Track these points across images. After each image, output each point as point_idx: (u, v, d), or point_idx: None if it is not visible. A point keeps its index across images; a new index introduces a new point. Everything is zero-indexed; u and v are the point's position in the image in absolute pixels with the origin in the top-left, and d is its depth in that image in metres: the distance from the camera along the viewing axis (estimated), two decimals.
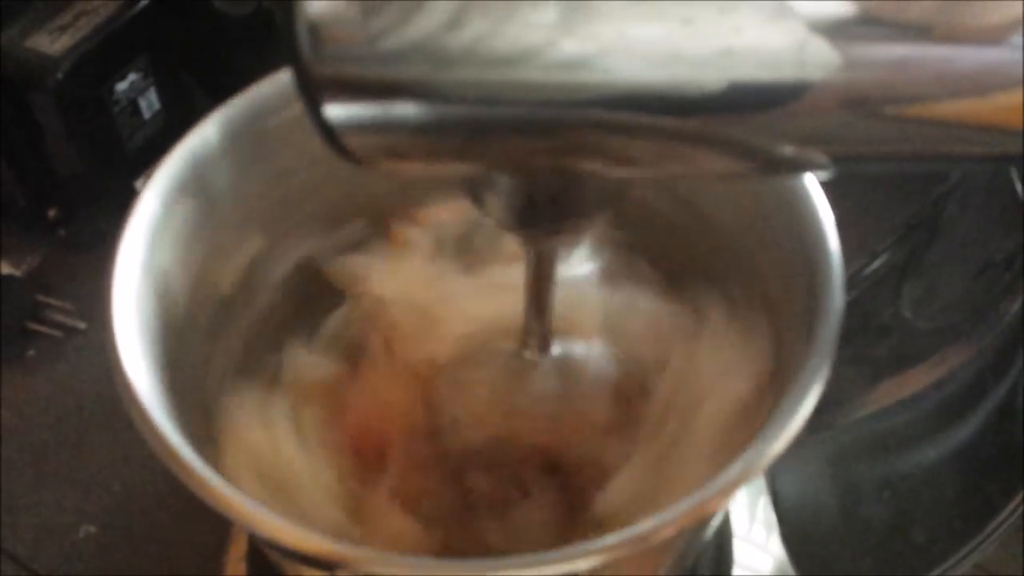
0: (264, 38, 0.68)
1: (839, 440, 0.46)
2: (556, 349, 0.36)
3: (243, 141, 0.37)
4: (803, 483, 0.48)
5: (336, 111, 0.21)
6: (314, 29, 0.19)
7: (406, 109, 0.21)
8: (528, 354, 0.35)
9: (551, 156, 0.23)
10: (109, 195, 0.64)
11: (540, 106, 0.21)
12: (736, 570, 0.47)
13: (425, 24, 0.19)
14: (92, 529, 0.54)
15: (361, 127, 0.21)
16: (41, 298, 0.63)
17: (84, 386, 0.60)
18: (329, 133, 0.21)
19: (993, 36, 0.20)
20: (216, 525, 0.51)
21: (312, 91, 0.20)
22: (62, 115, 0.58)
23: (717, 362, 0.36)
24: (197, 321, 0.37)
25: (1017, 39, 0.20)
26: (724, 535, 0.48)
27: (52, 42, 0.57)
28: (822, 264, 0.33)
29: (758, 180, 0.36)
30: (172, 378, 0.33)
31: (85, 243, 0.65)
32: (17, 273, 0.63)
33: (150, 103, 0.63)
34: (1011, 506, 0.37)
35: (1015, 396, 0.38)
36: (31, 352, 0.62)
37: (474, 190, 0.28)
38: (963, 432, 0.41)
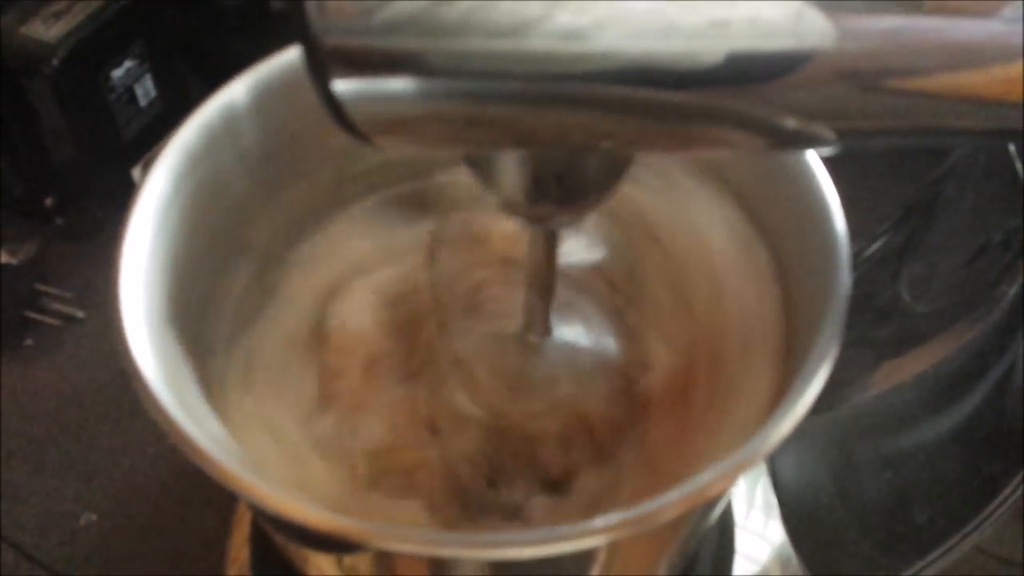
0: (259, 24, 0.68)
1: (839, 421, 0.46)
2: (558, 330, 0.36)
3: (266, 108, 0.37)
4: (803, 465, 0.48)
5: (342, 85, 0.21)
6: (321, 2, 0.19)
7: (406, 83, 0.21)
8: (531, 336, 0.35)
9: (551, 132, 0.23)
10: (106, 183, 0.64)
11: (536, 79, 0.21)
12: (737, 558, 0.47)
13: None
14: (93, 517, 0.54)
15: (365, 102, 0.21)
16: (39, 287, 0.63)
17: (84, 374, 0.60)
18: (335, 108, 0.21)
19: (984, 8, 0.20)
20: (218, 511, 0.51)
21: (318, 65, 0.20)
22: (58, 102, 0.58)
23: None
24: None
25: (1008, 11, 0.20)
26: (726, 523, 0.48)
27: (47, 29, 0.57)
28: (828, 246, 0.33)
29: (760, 155, 0.36)
30: (178, 350, 0.33)
31: (82, 231, 0.65)
32: (14, 262, 0.63)
33: (146, 90, 0.63)
34: (1012, 486, 0.37)
35: (1014, 375, 0.38)
36: (29, 341, 0.62)
37: (478, 169, 0.28)
38: (963, 411, 0.41)
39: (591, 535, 0.28)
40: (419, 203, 0.42)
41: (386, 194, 0.42)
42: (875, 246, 0.48)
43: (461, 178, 0.40)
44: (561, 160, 0.27)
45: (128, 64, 0.61)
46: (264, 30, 0.67)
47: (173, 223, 0.35)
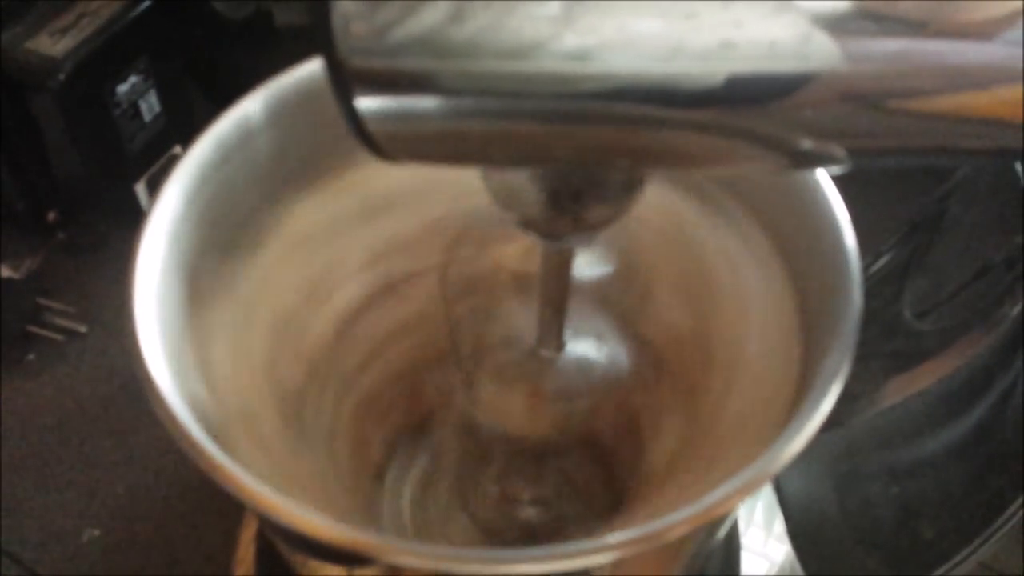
0: (264, 41, 0.68)
1: (845, 436, 0.46)
2: (571, 344, 0.36)
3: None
4: (809, 479, 0.48)
5: (364, 103, 0.21)
6: (347, 21, 0.20)
7: (422, 102, 0.21)
8: (544, 352, 0.35)
9: (563, 150, 0.24)
10: (109, 198, 0.64)
11: (546, 99, 0.21)
12: None
13: (429, 17, 0.20)
14: (96, 532, 0.54)
15: (386, 119, 0.21)
16: (41, 301, 0.62)
17: (86, 389, 0.60)
18: (357, 124, 0.21)
19: (983, 31, 0.20)
20: (221, 525, 0.51)
21: (341, 82, 0.21)
22: (63, 117, 0.58)
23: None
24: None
25: (1007, 34, 0.21)
26: (732, 542, 0.48)
27: (54, 44, 0.57)
28: (839, 263, 0.33)
29: (771, 174, 0.36)
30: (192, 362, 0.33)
31: (85, 246, 0.65)
32: (16, 276, 0.63)
33: (151, 105, 0.63)
34: (1019, 501, 0.37)
35: (1016, 392, 0.39)
36: (31, 356, 0.61)
37: (495, 186, 0.28)
38: (967, 426, 0.41)
39: (599, 552, 0.28)
40: None
41: None
42: (880, 263, 0.48)
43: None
44: (578, 178, 0.27)
45: (133, 79, 0.61)
46: (269, 46, 0.68)
47: (185, 236, 0.35)
